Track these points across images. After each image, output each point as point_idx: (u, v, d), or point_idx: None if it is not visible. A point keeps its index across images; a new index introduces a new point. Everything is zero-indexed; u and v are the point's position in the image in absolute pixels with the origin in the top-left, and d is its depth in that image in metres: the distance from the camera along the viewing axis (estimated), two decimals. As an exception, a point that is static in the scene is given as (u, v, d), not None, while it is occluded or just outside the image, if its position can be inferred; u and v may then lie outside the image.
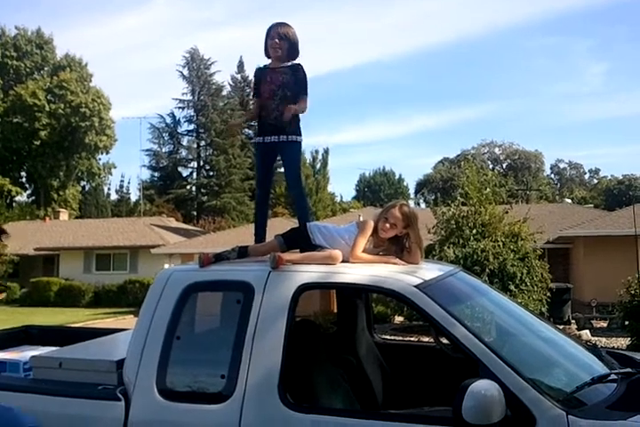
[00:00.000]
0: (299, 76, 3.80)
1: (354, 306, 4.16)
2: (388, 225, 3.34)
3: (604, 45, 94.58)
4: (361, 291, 4.00)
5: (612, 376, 2.93)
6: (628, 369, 3.04)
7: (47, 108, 48.18)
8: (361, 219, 3.65)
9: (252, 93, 4.08)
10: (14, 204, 51.28)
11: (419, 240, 3.41)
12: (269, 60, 3.93)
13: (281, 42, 3.79)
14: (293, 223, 3.97)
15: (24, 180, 53.82)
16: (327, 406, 3.10)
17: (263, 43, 3.88)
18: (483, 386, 2.41)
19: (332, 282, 3.18)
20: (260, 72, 3.93)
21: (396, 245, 3.41)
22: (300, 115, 3.83)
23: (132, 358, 3.11)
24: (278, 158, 3.97)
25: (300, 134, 3.84)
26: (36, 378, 3.50)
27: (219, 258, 3.38)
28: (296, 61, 3.88)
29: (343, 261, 3.21)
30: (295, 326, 2.99)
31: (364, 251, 3.31)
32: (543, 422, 2.47)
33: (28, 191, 54.27)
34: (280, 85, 3.79)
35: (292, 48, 3.83)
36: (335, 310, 4.41)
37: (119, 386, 3.09)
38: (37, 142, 48.54)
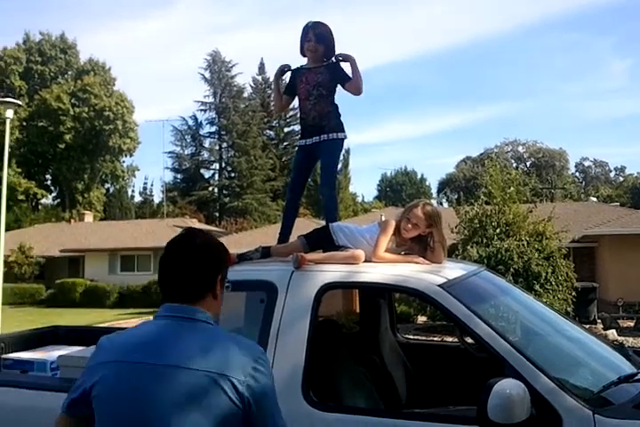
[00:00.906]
0: (337, 74, 3.79)
1: (377, 306, 4.16)
2: (410, 225, 3.32)
3: (627, 42, 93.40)
4: (384, 290, 3.99)
5: (640, 376, 2.89)
6: (656, 368, 3.00)
7: (71, 112, 48.83)
8: (383, 219, 3.63)
9: (284, 90, 4.04)
10: (40, 206, 52.05)
11: (442, 239, 3.39)
12: (305, 60, 3.92)
13: (317, 45, 3.79)
14: (316, 224, 3.97)
15: (49, 183, 54.61)
16: (350, 405, 3.10)
17: (299, 42, 3.87)
18: (508, 385, 2.39)
19: (355, 281, 3.18)
20: (296, 72, 3.92)
21: (419, 245, 3.40)
22: (338, 110, 3.82)
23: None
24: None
25: (343, 130, 3.79)
26: (62, 377, 3.55)
27: (242, 258, 3.40)
28: (332, 60, 3.86)
29: (366, 261, 3.21)
30: (318, 325, 2.99)
31: (386, 250, 3.30)
32: (569, 422, 2.44)
33: (54, 194, 55.08)
34: (315, 85, 3.78)
35: (328, 48, 3.82)
36: (358, 311, 4.41)
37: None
38: (62, 146, 49.21)
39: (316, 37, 3.77)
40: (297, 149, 3.96)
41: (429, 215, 3.32)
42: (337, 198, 3.91)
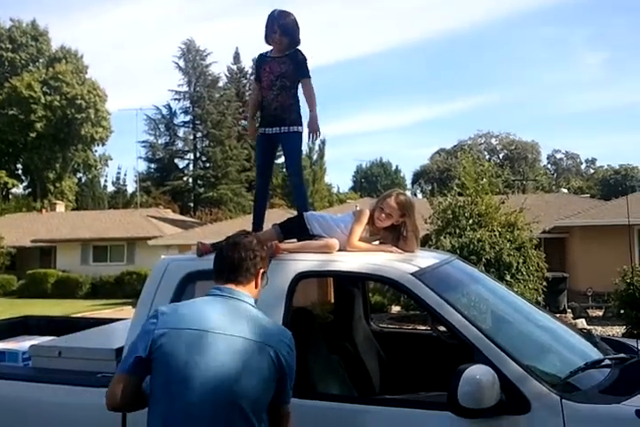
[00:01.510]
0: (298, 60, 3.80)
1: (351, 295, 4.19)
2: (383, 215, 3.35)
3: (602, 35, 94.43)
4: (357, 279, 4.03)
5: (606, 362, 2.96)
6: (622, 354, 3.07)
7: (43, 100, 47.98)
8: (358, 209, 3.65)
9: (254, 77, 4.08)
10: (10, 196, 51.23)
11: (415, 229, 3.42)
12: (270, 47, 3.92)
13: (282, 37, 3.79)
14: (290, 214, 4.00)
15: (20, 172, 53.70)
16: (324, 392, 3.13)
17: (264, 29, 3.87)
18: (478, 371, 2.44)
19: (329, 270, 3.21)
20: (260, 60, 3.94)
21: (392, 234, 3.43)
22: (299, 104, 3.84)
23: (130, 346, 3.13)
24: (279, 149, 3.99)
25: (302, 124, 3.84)
26: (34, 367, 3.53)
27: (217, 248, 3.40)
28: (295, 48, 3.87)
29: (340, 250, 3.23)
30: (292, 314, 3.01)
31: (360, 240, 3.33)
32: (538, 407, 2.50)
33: (25, 183, 54.19)
34: (279, 76, 3.80)
35: (292, 40, 3.82)
36: (332, 301, 4.44)
37: (118, 374, 3.11)
38: (33, 134, 48.37)
39: (281, 30, 3.78)
40: (258, 135, 3.98)
41: (402, 205, 3.35)
42: (305, 186, 3.96)
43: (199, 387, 2.08)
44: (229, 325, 2.17)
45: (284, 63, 3.81)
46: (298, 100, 3.86)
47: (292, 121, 3.80)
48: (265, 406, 2.18)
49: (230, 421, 2.09)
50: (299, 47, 3.85)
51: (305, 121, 3.82)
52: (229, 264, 2.35)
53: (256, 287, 2.38)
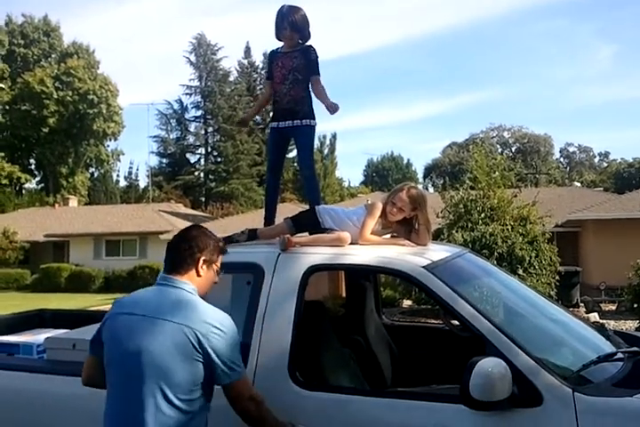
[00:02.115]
0: (310, 57, 3.82)
1: (362, 288, 4.19)
2: (395, 209, 3.34)
3: (612, 28, 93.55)
4: (369, 272, 4.03)
5: (619, 355, 2.95)
6: (635, 348, 3.06)
7: (55, 96, 48.23)
8: (369, 202, 3.65)
9: (266, 76, 4.11)
10: (24, 191, 51.57)
11: (427, 222, 3.42)
12: (281, 43, 3.94)
13: (292, 33, 3.81)
14: (302, 208, 4.00)
15: (33, 167, 54.08)
16: (336, 385, 3.14)
17: (274, 25, 3.88)
18: (490, 363, 2.43)
19: (341, 263, 3.21)
20: (272, 56, 3.96)
21: (404, 227, 3.43)
22: (313, 98, 3.85)
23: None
24: (292, 143, 4.00)
25: (314, 118, 3.86)
26: (49, 359, 3.56)
27: (229, 241, 3.42)
28: (308, 43, 3.88)
29: (352, 244, 3.23)
30: (304, 307, 3.02)
31: (372, 233, 3.33)
32: (550, 400, 2.50)
33: (37, 178, 54.57)
34: (291, 70, 3.82)
35: (302, 34, 3.84)
36: (344, 295, 4.45)
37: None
38: (46, 130, 48.66)
39: (291, 26, 3.79)
40: (270, 130, 3.99)
41: (414, 199, 3.35)
42: (317, 179, 3.96)
43: (126, 363, 2.36)
44: (155, 308, 2.40)
45: (295, 57, 3.83)
46: (310, 94, 3.86)
47: (304, 114, 3.80)
48: (187, 384, 2.34)
49: (152, 397, 2.30)
50: (310, 43, 3.86)
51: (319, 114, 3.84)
52: (169, 256, 2.58)
53: (198, 275, 2.55)
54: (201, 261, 2.55)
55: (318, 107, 3.84)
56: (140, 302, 2.49)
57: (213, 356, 2.34)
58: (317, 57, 3.85)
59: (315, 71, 3.83)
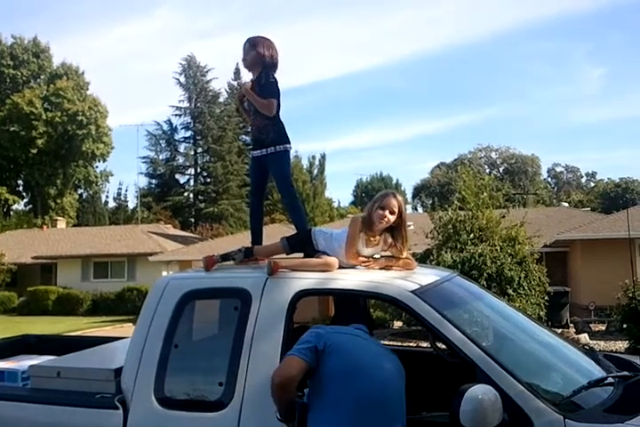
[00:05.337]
0: (260, 83, 3.75)
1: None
2: (387, 212, 3.27)
3: (601, 50, 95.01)
4: (357, 297, 3.99)
5: (609, 380, 2.93)
6: (625, 372, 3.05)
7: (44, 117, 48.16)
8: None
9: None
10: (11, 212, 51.23)
11: (406, 232, 3.40)
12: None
13: (250, 68, 3.84)
14: (291, 229, 3.96)
15: (21, 188, 53.76)
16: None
17: (243, 55, 3.87)
18: (480, 391, 2.41)
19: (329, 288, 3.18)
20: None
21: (389, 237, 3.39)
22: (278, 123, 3.77)
23: (129, 366, 3.11)
24: None
25: (285, 142, 3.75)
26: (34, 387, 3.50)
27: (226, 258, 3.43)
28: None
29: (341, 267, 3.22)
30: (293, 331, 3.00)
31: (361, 255, 3.31)
32: (541, 426, 2.48)
33: (25, 200, 54.21)
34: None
35: (266, 67, 3.78)
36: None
37: (117, 394, 3.09)
38: (34, 151, 48.49)
39: (247, 62, 3.84)
40: (251, 158, 3.99)
41: (401, 204, 3.34)
42: (299, 204, 3.88)
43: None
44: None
45: (254, 88, 3.80)
46: (275, 120, 3.76)
47: (271, 141, 3.73)
48: None
49: None
50: (263, 71, 3.78)
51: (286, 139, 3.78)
52: None
53: None
54: None
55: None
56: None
57: None
58: (269, 80, 3.75)
59: (265, 94, 3.71)
